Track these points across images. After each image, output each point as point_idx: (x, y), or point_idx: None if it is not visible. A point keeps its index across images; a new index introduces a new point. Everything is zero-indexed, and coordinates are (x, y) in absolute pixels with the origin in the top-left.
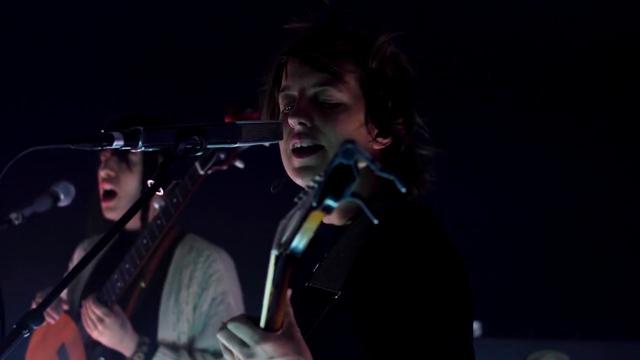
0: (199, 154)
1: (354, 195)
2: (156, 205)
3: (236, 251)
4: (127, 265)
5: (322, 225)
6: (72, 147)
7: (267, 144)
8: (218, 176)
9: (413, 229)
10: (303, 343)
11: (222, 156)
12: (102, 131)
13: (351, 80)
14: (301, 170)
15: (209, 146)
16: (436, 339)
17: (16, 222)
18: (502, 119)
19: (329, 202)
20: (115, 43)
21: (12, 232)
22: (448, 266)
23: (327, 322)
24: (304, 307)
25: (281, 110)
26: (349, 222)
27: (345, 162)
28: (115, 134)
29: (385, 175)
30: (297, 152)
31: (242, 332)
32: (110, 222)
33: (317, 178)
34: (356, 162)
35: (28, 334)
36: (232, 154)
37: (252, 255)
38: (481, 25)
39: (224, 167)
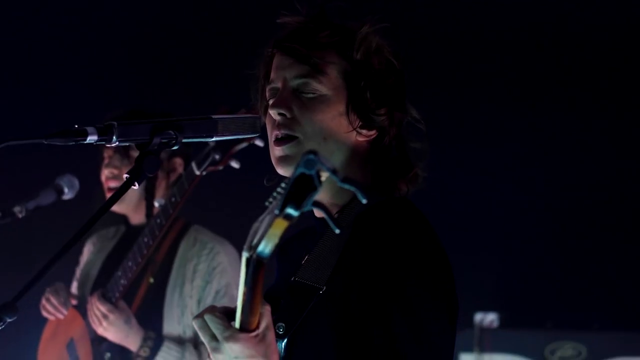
0: (174, 147)
1: (316, 204)
2: (156, 204)
3: (242, 242)
4: (130, 263)
5: (313, 217)
6: (45, 142)
7: (261, 143)
8: (226, 170)
9: (395, 225)
10: (273, 346)
11: (217, 157)
12: (76, 126)
13: (332, 71)
14: (280, 160)
15: (184, 140)
16: (406, 341)
17: (20, 216)
18: (527, 103)
19: (290, 211)
20: (115, 39)
21: (18, 225)
22: (428, 264)
23: (311, 317)
24: (289, 302)
25: (267, 102)
26: (336, 215)
27: (307, 172)
28: (89, 129)
29: (346, 186)
30: (277, 141)
31: (215, 326)
32: (115, 215)
33: (282, 186)
34: (318, 172)
35: (2, 327)
36: (227, 154)
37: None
38: (486, 12)
39: (220, 168)
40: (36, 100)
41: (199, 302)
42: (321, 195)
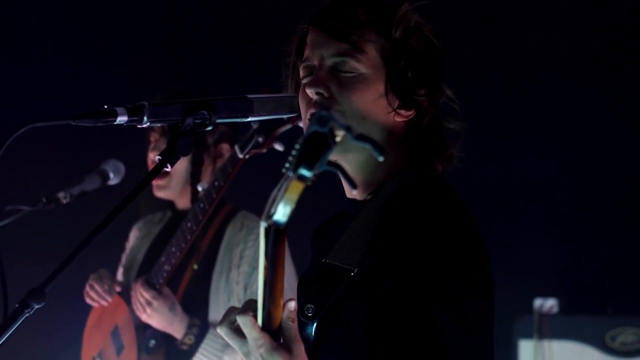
0: (208, 128)
1: (330, 164)
2: (199, 188)
3: (291, 227)
4: (174, 249)
5: (346, 200)
6: (74, 124)
7: (300, 124)
8: (275, 153)
9: (429, 205)
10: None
11: (261, 139)
12: (105, 106)
13: (371, 50)
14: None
15: (218, 121)
16: (445, 325)
17: (64, 201)
18: (584, 80)
19: (303, 171)
20: (146, 18)
21: (63, 211)
22: (463, 245)
23: (342, 300)
24: (319, 283)
25: (302, 80)
26: (369, 197)
27: (319, 129)
28: (119, 109)
29: (360, 143)
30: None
31: (248, 331)
32: (161, 200)
33: (296, 147)
34: (332, 130)
35: (29, 313)
36: (271, 136)
37: (307, 231)
38: None
39: (264, 150)
40: (67, 83)
41: (245, 288)
42: (355, 177)
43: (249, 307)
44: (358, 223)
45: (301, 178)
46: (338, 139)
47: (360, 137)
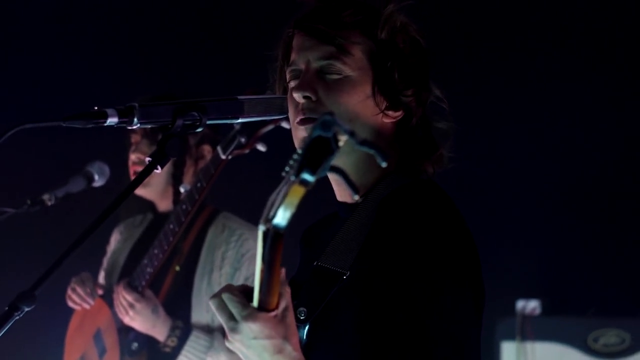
0: (198, 129)
1: (333, 169)
2: (182, 190)
3: None
4: (156, 250)
5: (337, 203)
6: (64, 125)
7: (288, 125)
8: (256, 154)
9: (419, 209)
10: (293, 328)
11: (243, 140)
12: (95, 108)
13: (357, 52)
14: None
15: (209, 122)
16: (431, 328)
17: (49, 203)
18: (569, 83)
19: (306, 176)
20: (138, 20)
21: (46, 213)
22: (453, 249)
23: (334, 303)
24: (311, 287)
25: (289, 84)
26: (360, 200)
27: (323, 134)
28: (109, 110)
29: (364, 149)
30: (302, 121)
31: (233, 305)
32: (141, 203)
33: (299, 151)
34: (335, 135)
35: (19, 316)
36: (253, 137)
37: (290, 232)
38: None
39: (246, 151)
40: (58, 84)
41: None
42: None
43: (238, 288)
44: (350, 226)
45: (303, 182)
46: (341, 143)
47: (364, 143)
